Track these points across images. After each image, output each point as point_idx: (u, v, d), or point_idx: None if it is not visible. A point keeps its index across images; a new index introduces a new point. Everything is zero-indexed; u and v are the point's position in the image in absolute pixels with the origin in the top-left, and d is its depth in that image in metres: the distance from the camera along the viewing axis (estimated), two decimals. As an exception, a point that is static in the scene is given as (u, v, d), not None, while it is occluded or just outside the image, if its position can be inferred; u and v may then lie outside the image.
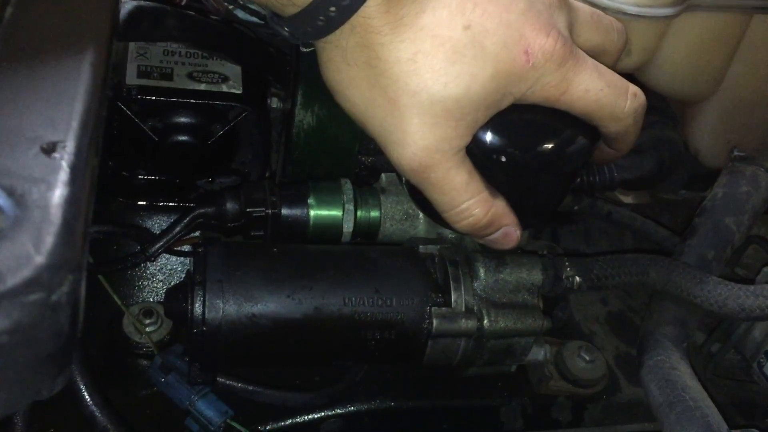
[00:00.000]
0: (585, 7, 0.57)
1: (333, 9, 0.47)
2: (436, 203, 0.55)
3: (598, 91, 0.53)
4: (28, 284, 0.25)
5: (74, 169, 0.30)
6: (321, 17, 0.48)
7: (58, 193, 0.29)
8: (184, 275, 0.75)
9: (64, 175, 0.30)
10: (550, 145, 0.57)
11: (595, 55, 0.57)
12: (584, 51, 0.55)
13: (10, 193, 0.28)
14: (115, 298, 0.66)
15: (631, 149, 0.61)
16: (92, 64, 0.37)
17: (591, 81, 0.53)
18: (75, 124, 0.33)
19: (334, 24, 0.48)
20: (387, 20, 0.48)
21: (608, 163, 0.67)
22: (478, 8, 0.49)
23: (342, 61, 0.50)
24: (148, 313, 0.68)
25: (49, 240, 0.27)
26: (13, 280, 0.25)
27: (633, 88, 0.55)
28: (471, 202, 0.54)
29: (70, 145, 0.31)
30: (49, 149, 0.31)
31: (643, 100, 0.56)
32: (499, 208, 0.56)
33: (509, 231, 0.58)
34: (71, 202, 0.29)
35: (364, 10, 0.47)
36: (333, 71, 0.52)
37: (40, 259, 0.26)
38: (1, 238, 0.27)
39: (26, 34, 0.38)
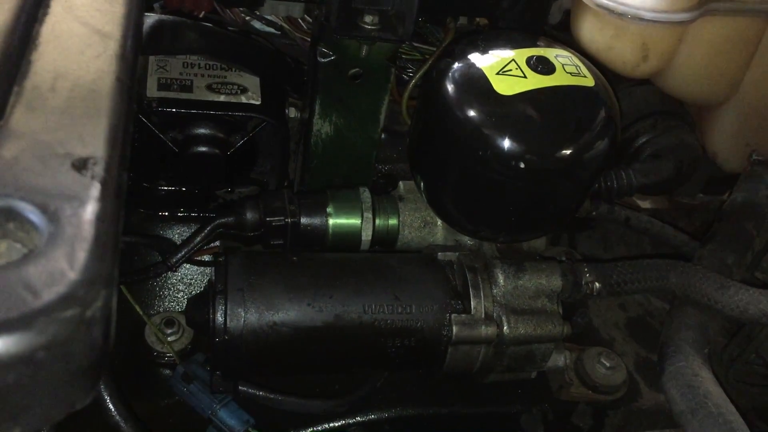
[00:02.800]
0: None
1: None
2: None
3: None
4: (63, 300, 0.26)
5: (105, 185, 0.31)
6: None
7: (89, 210, 0.29)
8: (204, 284, 0.76)
9: (95, 191, 0.30)
10: (568, 151, 0.57)
11: None
12: None
13: (44, 210, 0.29)
14: (137, 308, 0.66)
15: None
16: (119, 79, 0.37)
17: None
18: (104, 140, 0.33)
19: None
20: None
21: (626, 164, 0.65)
22: None
23: None
24: (169, 322, 0.69)
25: (82, 256, 0.27)
26: (48, 297, 0.26)
27: None
28: None
29: (100, 161, 0.32)
30: (80, 165, 0.31)
31: None
32: None
33: None
34: (103, 218, 0.29)
35: None
36: None
37: (74, 276, 0.27)
38: (36, 255, 0.27)
39: (54, 51, 0.38)
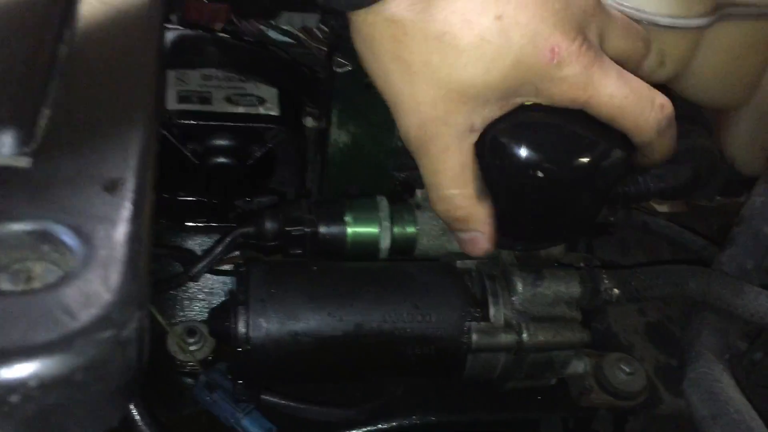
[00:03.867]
0: (618, 16, 0.58)
1: None
2: (426, 178, 0.57)
3: (623, 98, 0.54)
4: (100, 322, 0.27)
5: (136, 206, 0.32)
6: None
7: (121, 231, 0.30)
8: (224, 294, 0.77)
9: (126, 212, 0.31)
10: (587, 159, 0.57)
11: (620, 62, 0.57)
12: (611, 58, 0.55)
13: (78, 232, 0.30)
14: (159, 318, 0.67)
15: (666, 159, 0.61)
16: (145, 98, 0.38)
17: (616, 87, 0.53)
18: (133, 160, 0.34)
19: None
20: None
21: (643, 169, 0.67)
22: (513, 1, 0.50)
23: (370, 34, 0.52)
24: (191, 332, 0.70)
25: (116, 278, 0.28)
26: (86, 319, 0.27)
27: (660, 99, 0.56)
28: (456, 192, 0.56)
29: (130, 182, 0.33)
30: (111, 187, 0.32)
31: (670, 111, 0.56)
32: (480, 212, 0.58)
33: (478, 238, 0.59)
34: (135, 239, 0.30)
35: None
36: (361, 41, 0.54)
37: (110, 297, 0.27)
38: (72, 278, 0.28)
39: (81, 72, 0.39)
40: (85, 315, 0.26)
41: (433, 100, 0.53)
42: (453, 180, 0.56)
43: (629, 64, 0.58)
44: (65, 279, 0.28)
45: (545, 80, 0.52)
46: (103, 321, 0.27)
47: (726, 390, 0.59)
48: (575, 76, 0.52)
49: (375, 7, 0.51)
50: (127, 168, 0.33)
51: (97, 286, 0.27)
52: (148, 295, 0.30)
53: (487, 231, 0.59)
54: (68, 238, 0.29)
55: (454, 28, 0.50)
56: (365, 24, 0.52)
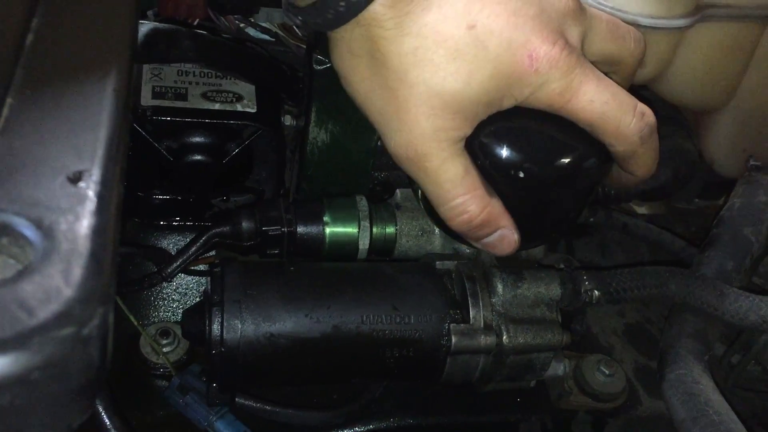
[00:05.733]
0: (602, 16, 0.56)
1: (342, 4, 0.48)
2: (431, 196, 0.55)
3: (603, 104, 0.52)
4: (59, 319, 0.25)
5: (101, 199, 0.30)
6: (331, 11, 0.49)
7: (85, 224, 0.29)
8: (199, 295, 0.75)
9: (91, 204, 0.30)
10: (568, 160, 0.57)
11: (611, 64, 0.56)
12: (599, 60, 0.55)
13: (39, 224, 0.28)
14: (132, 319, 0.65)
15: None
16: (115, 90, 0.37)
17: (596, 92, 0.52)
18: (100, 152, 0.33)
19: (343, 18, 0.49)
20: (392, 15, 0.49)
21: (627, 188, 0.66)
22: (486, 9, 0.49)
23: (347, 50, 0.52)
24: (164, 333, 0.68)
25: (78, 273, 0.27)
26: (44, 315, 0.25)
27: (641, 107, 0.55)
28: (467, 197, 0.54)
29: (96, 174, 0.31)
30: (76, 179, 0.31)
31: (652, 120, 0.55)
32: (496, 207, 0.56)
33: (506, 234, 0.57)
34: (99, 232, 0.29)
35: (372, 6, 0.48)
36: (338, 59, 0.54)
37: (70, 293, 0.26)
38: (31, 272, 0.27)
39: (48, 61, 0.38)
40: (44, 311, 0.25)
41: (416, 117, 0.51)
42: (460, 186, 0.54)
43: (622, 67, 0.57)
44: (23, 273, 0.26)
45: (525, 87, 0.51)
46: (62, 317, 0.25)
47: (705, 391, 0.59)
48: (554, 81, 0.51)
49: (350, 25, 0.49)
50: (93, 159, 0.32)
51: (57, 281, 0.26)
52: (112, 291, 0.29)
53: (510, 223, 0.57)
54: (28, 230, 0.28)
55: (428, 41, 0.49)
56: (342, 42, 0.51)
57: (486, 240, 0.57)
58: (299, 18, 0.52)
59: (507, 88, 0.51)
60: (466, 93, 0.50)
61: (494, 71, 0.50)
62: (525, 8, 0.50)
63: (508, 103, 0.53)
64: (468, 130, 0.53)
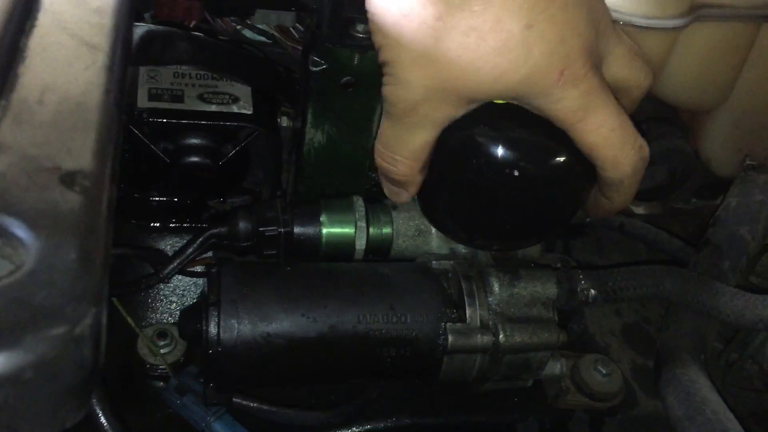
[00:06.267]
0: (625, 41, 0.58)
1: None
2: (385, 134, 0.58)
3: (610, 130, 0.53)
4: (51, 318, 0.25)
5: (93, 199, 0.30)
6: None
7: (77, 225, 0.29)
8: (197, 296, 0.76)
9: (83, 205, 0.30)
10: (563, 159, 0.57)
11: (618, 90, 0.57)
12: (609, 83, 0.55)
13: (31, 225, 0.28)
14: (129, 320, 0.66)
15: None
16: (108, 91, 0.37)
17: (607, 118, 0.53)
18: (93, 153, 0.33)
19: None
20: None
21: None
22: (548, 12, 0.49)
23: (408, 4, 0.50)
24: (162, 334, 0.68)
25: (70, 273, 0.27)
26: (35, 314, 0.25)
27: (641, 141, 0.56)
28: (407, 161, 0.58)
29: (88, 175, 0.31)
30: (68, 180, 0.31)
31: (647, 155, 0.57)
32: (417, 180, 0.61)
33: (403, 195, 0.63)
34: (91, 233, 0.29)
35: None
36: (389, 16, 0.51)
37: (62, 293, 0.26)
38: (23, 272, 0.27)
39: (42, 63, 0.38)
40: (36, 311, 0.25)
41: (435, 86, 0.52)
42: (411, 152, 0.57)
43: (630, 93, 0.58)
44: (15, 273, 0.26)
45: (544, 97, 0.51)
46: (54, 317, 0.25)
47: (702, 390, 0.59)
48: (573, 99, 0.51)
49: None
50: (86, 161, 0.32)
51: (48, 281, 0.26)
52: (105, 291, 0.29)
53: (414, 192, 0.62)
54: (20, 231, 0.28)
55: (485, 26, 0.49)
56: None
57: (387, 185, 0.63)
58: None
59: (528, 95, 0.52)
60: (491, 88, 0.52)
61: (526, 76, 0.50)
62: (576, 21, 0.50)
63: (519, 104, 0.54)
64: (460, 115, 0.55)
